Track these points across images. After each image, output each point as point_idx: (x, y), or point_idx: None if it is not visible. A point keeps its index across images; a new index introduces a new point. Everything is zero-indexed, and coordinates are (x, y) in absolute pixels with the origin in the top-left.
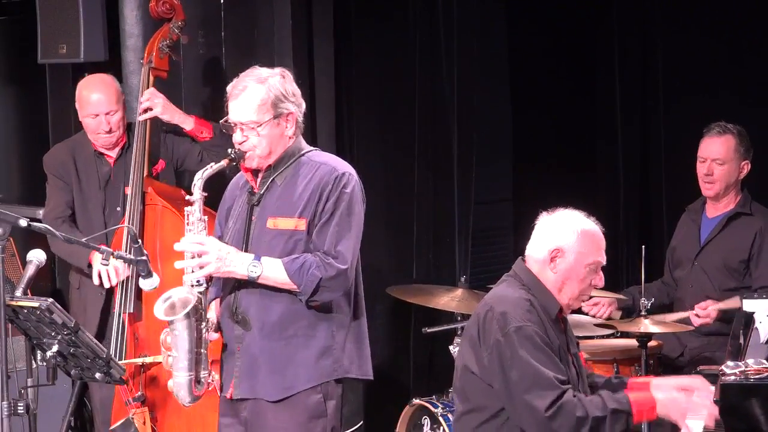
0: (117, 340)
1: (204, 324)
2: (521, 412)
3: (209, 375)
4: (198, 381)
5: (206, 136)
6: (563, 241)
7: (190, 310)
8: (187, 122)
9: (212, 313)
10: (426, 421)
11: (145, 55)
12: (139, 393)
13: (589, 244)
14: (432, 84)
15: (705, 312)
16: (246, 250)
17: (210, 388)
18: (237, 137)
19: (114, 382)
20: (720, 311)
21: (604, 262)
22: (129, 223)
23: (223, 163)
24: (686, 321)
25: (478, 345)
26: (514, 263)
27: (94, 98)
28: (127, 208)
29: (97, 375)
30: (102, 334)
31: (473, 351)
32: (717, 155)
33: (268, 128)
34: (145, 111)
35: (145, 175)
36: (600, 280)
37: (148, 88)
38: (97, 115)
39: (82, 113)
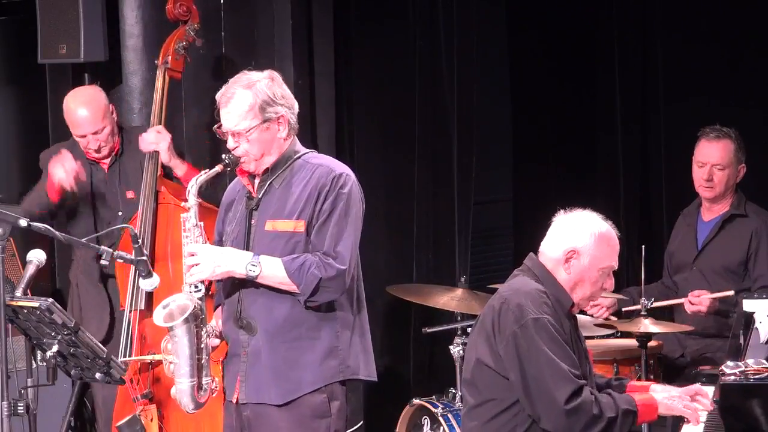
0: (125, 337)
1: (205, 330)
2: (538, 404)
3: (213, 381)
4: (200, 387)
5: None
6: (580, 243)
7: (189, 315)
8: (180, 168)
9: (216, 321)
10: (426, 421)
11: (161, 55)
12: (147, 390)
13: (604, 248)
14: (432, 84)
15: (698, 300)
16: None
17: (214, 395)
18: (230, 143)
19: (114, 382)
20: (713, 300)
21: (617, 267)
22: (142, 222)
23: (218, 168)
24: (682, 315)
25: (492, 337)
26: (525, 259)
27: (80, 118)
28: (140, 206)
29: (97, 375)
30: (111, 330)
31: (487, 343)
32: (718, 160)
33: (258, 133)
34: (149, 144)
35: (159, 174)
36: (611, 283)
37: (162, 87)
38: (84, 136)
39: (71, 130)
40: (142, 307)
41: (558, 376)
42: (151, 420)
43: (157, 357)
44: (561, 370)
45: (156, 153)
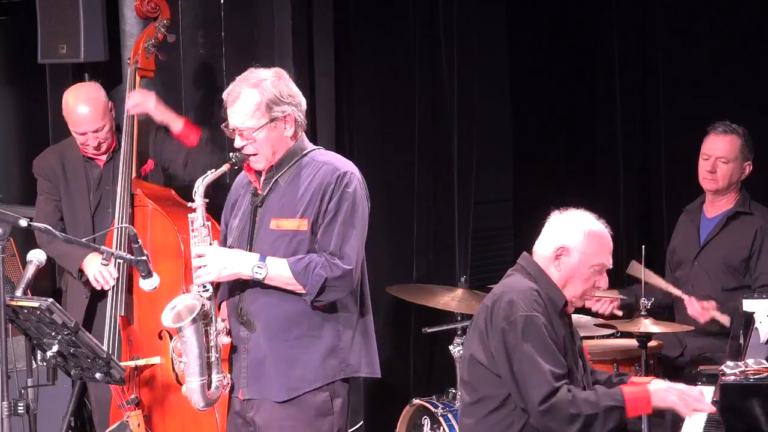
0: (111, 342)
1: (214, 328)
2: (523, 400)
3: (225, 377)
4: (210, 385)
5: (192, 142)
6: (569, 240)
7: (196, 315)
8: (177, 123)
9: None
10: (426, 421)
11: (131, 55)
12: (133, 395)
13: (595, 245)
14: (432, 84)
15: (702, 311)
16: (250, 251)
17: (226, 391)
18: (237, 142)
19: (114, 382)
20: (713, 318)
21: (610, 265)
22: (118, 226)
23: (224, 168)
24: (682, 315)
25: (485, 335)
26: (519, 258)
27: (80, 116)
28: (117, 210)
29: (97, 375)
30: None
31: (481, 342)
32: (722, 153)
33: (265, 132)
34: (135, 107)
35: (133, 176)
36: (604, 282)
37: (134, 89)
38: (85, 134)
39: (70, 127)
40: (122, 314)
41: (537, 375)
42: (138, 425)
43: (141, 362)
44: (541, 370)
45: (131, 157)
